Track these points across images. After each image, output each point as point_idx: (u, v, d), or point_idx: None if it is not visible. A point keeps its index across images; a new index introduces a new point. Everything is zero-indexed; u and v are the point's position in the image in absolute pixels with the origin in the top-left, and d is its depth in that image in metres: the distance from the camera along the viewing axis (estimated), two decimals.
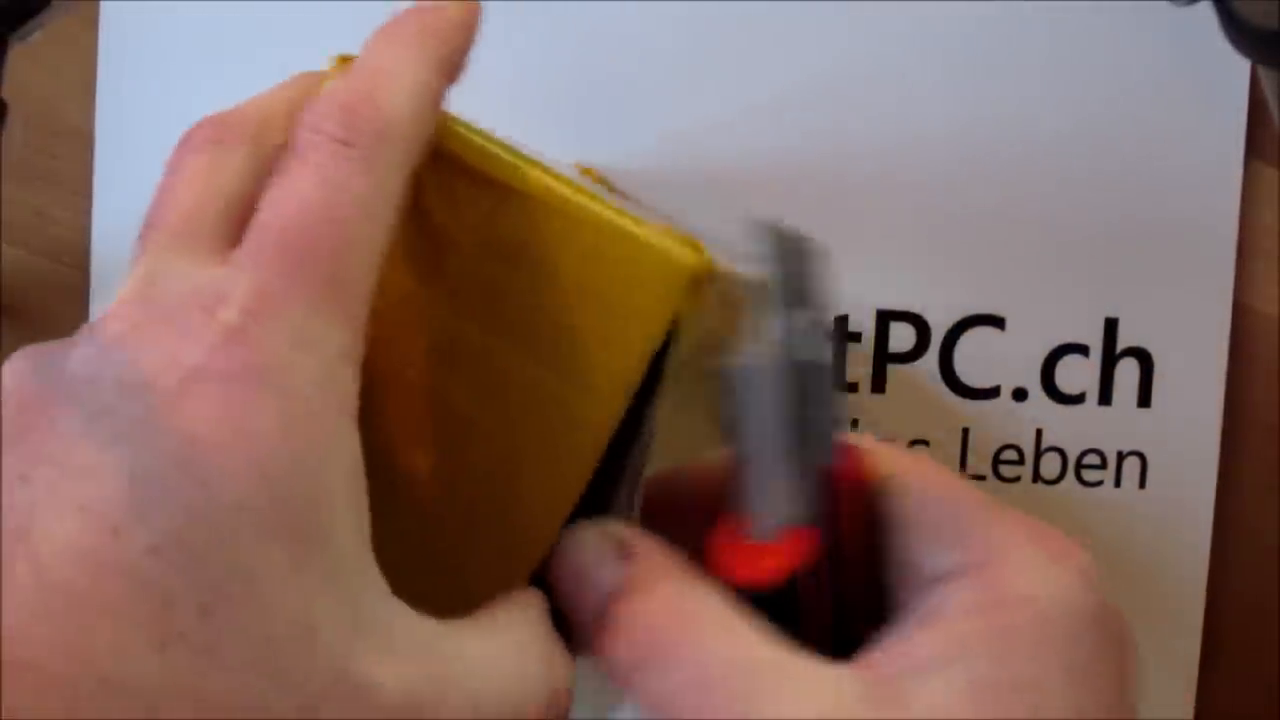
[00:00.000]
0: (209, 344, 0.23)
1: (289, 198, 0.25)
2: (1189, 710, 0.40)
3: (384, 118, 0.26)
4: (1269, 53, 0.34)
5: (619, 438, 0.30)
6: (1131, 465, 0.40)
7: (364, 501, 0.25)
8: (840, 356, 0.39)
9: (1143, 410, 0.40)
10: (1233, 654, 0.41)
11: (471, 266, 0.30)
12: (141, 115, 0.39)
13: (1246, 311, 0.40)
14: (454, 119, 0.30)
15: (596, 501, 0.30)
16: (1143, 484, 0.40)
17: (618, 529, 0.29)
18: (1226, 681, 0.41)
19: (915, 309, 0.39)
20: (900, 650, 0.26)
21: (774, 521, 0.28)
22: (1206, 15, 0.34)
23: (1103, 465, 0.40)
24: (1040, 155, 0.39)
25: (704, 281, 0.30)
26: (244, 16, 0.39)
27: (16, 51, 0.33)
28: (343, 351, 0.25)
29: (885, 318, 0.39)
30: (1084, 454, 0.40)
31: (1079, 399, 0.40)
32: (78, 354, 0.24)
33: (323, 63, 0.30)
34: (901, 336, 0.39)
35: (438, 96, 0.28)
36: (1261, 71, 0.37)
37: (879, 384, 0.40)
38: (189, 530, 0.22)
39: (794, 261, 0.29)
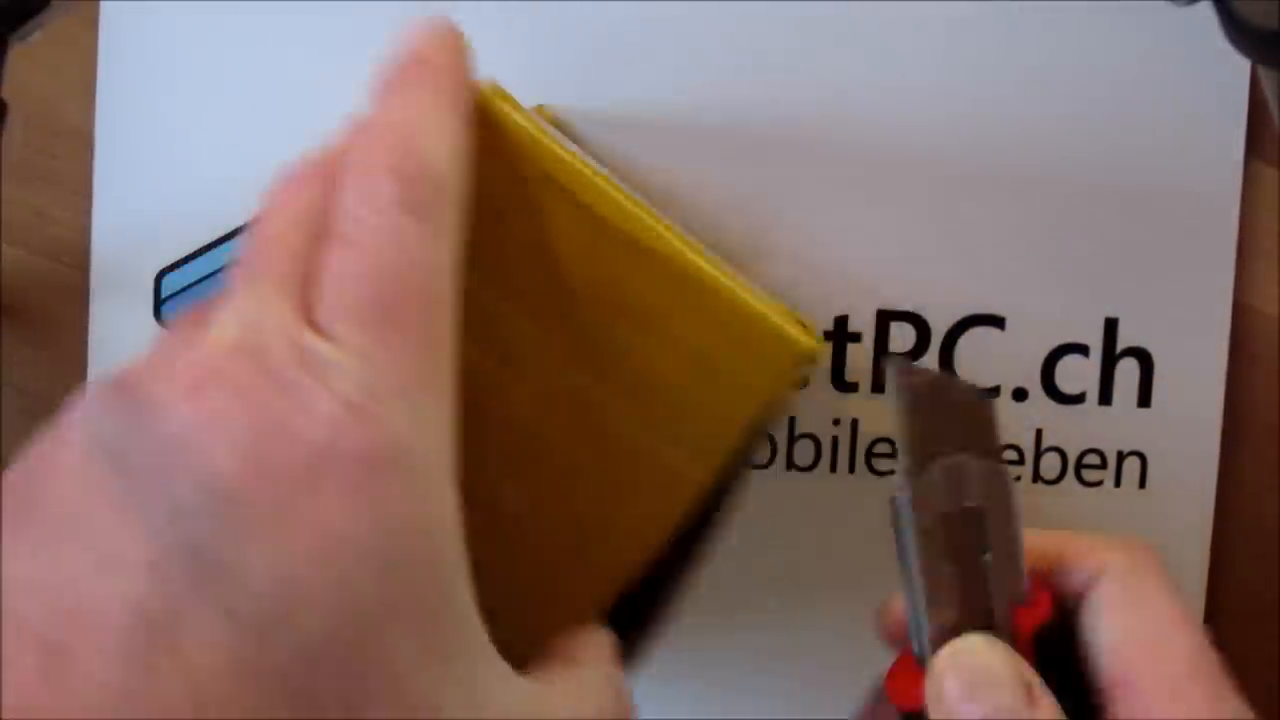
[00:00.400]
0: (331, 421, 0.23)
1: (371, 263, 0.25)
2: None
3: (437, 177, 0.26)
4: (1269, 53, 0.34)
5: (704, 502, 0.31)
6: (1131, 465, 0.40)
7: (467, 563, 0.25)
8: (840, 361, 0.39)
9: (1143, 410, 0.40)
10: (1234, 654, 0.41)
11: (588, 313, 0.30)
12: (141, 115, 0.39)
13: (1247, 311, 0.40)
14: (583, 164, 0.30)
15: (673, 557, 0.31)
16: (1143, 484, 0.40)
17: (1022, 663, 0.28)
18: None
19: (915, 309, 0.39)
20: None
21: (921, 650, 0.29)
22: (1207, 15, 0.34)
23: (1103, 465, 0.40)
24: (1040, 155, 0.39)
25: (812, 364, 0.30)
26: (244, 17, 0.39)
27: (16, 51, 0.33)
28: (445, 419, 0.25)
29: (885, 318, 0.39)
30: (1084, 454, 0.40)
31: (1079, 399, 0.40)
32: (176, 418, 0.23)
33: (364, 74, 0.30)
34: (902, 336, 0.39)
35: (467, 135, 0.28)
36: (1262, 72, 0.37)
37: (879, 384, 0.40)
38: (334, 632, 0.22)
39: (931, 405, 0.30)
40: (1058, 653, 0.29)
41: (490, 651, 0.25)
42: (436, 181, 0.26)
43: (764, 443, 0.31)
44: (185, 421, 0.23)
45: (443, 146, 0.26)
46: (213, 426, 0.23)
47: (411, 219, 0.25)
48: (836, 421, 0.39)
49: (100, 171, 0.39)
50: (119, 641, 0.21)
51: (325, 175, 0.27)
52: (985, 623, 0.29)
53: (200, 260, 0.40)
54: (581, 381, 0.31)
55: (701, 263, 0.30)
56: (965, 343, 0.39)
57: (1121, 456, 0.40)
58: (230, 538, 0.22)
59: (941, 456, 0.29)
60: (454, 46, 0.29)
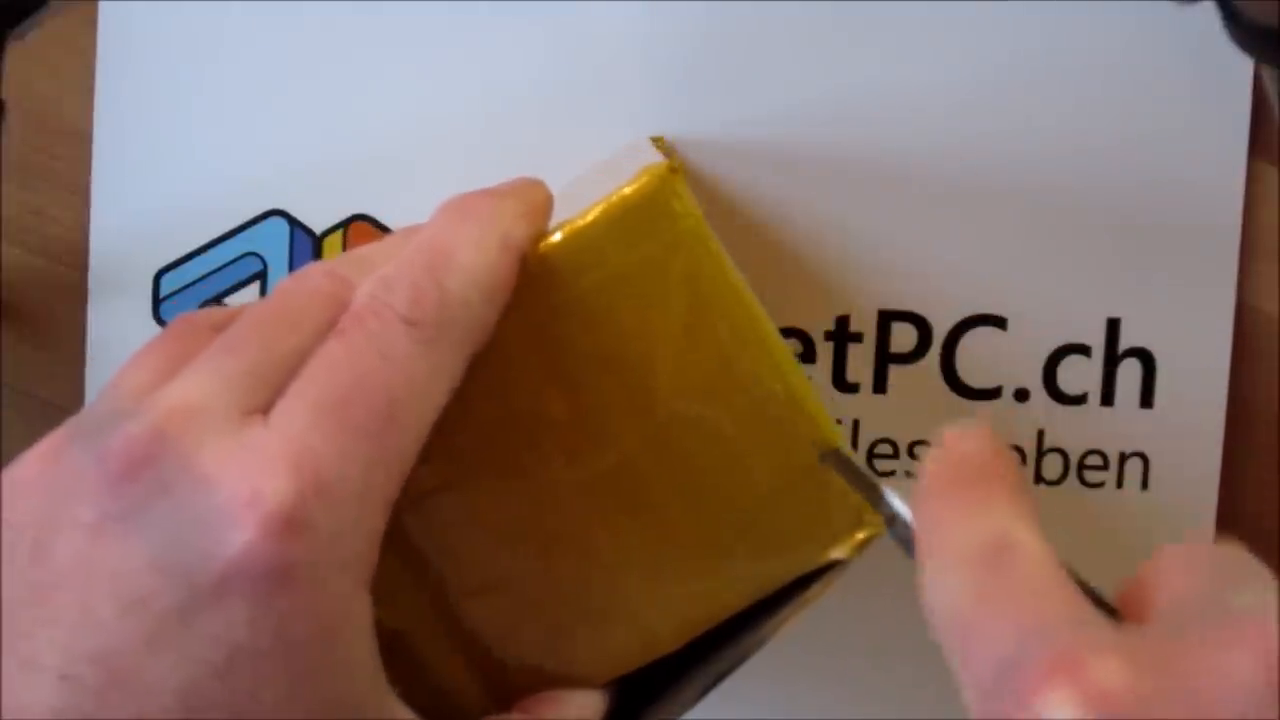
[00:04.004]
0: (244, 528, 0.23)
1: (352, 362, 0.25)
2: None
3: (450, 303, 0.26)
4: (1272, 51, 0.34)
5: (726, 623, 0.32)
6: (1134, 466, 0.40)
7: (379, 663, 0.25)
8: (841, 361, 0.39)
9: (1145, 411, 0.40)
10: None
11: (679, 418, 0.31)
12: (140, 115, 0.39)
13: (1250, 311, 0.40)
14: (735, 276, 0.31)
15: (681, 659, 0.32)
16: (1145, 485, 0.40)
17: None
18: None
19: (917, 309, 0.39)
20: None
21: None
22: (1209, 14, 0.34)
23: (1105, 466, 0.40)
24: (1041, 155, 0.39)
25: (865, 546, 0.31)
26: (243, 16, 0.39)
27: (15, 51, 0.33)
28: (368, 529, 0.25)
29: (887, 318, 0.39)
30: (1086, 455, 0.40)
31: (1081, 399, 0.40)
32: (98, 506, 0.23)
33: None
34: (903, 336, 0.39)
35: (508, 278, 0.28)
36: (1264, 70, 0.37)
37: (880, 384, 0.40)
38: None
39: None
40: None
41: None
42: (450, 310, 0.26)
43: (809, 593, 0.32)
44: (105, 512, 0.23)
45: (471, 278, 0.27)
46: (128, 526, 0.23)
47: (409, 337, 0.26)
48: (838, 422, 0.39)
49: (99, 171, 0.39)
50: None
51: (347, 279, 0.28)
52: None
53: (199, 260, 0.39)
54: (648, 474, 0.31)
55: (816, 404, 0.31)
56: (967, 343, 0.39)
57: (1124, 457, 0.40)
58: (138, 645, 0.23)
59: None
60: (532, 183, 0.30)
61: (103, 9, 0.39)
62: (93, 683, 0.22)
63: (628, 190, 0.31)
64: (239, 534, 0.23)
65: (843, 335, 0.39)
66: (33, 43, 0.34)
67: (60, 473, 0.24)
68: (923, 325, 0.39)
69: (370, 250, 0.29)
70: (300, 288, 0.27)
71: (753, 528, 0.31)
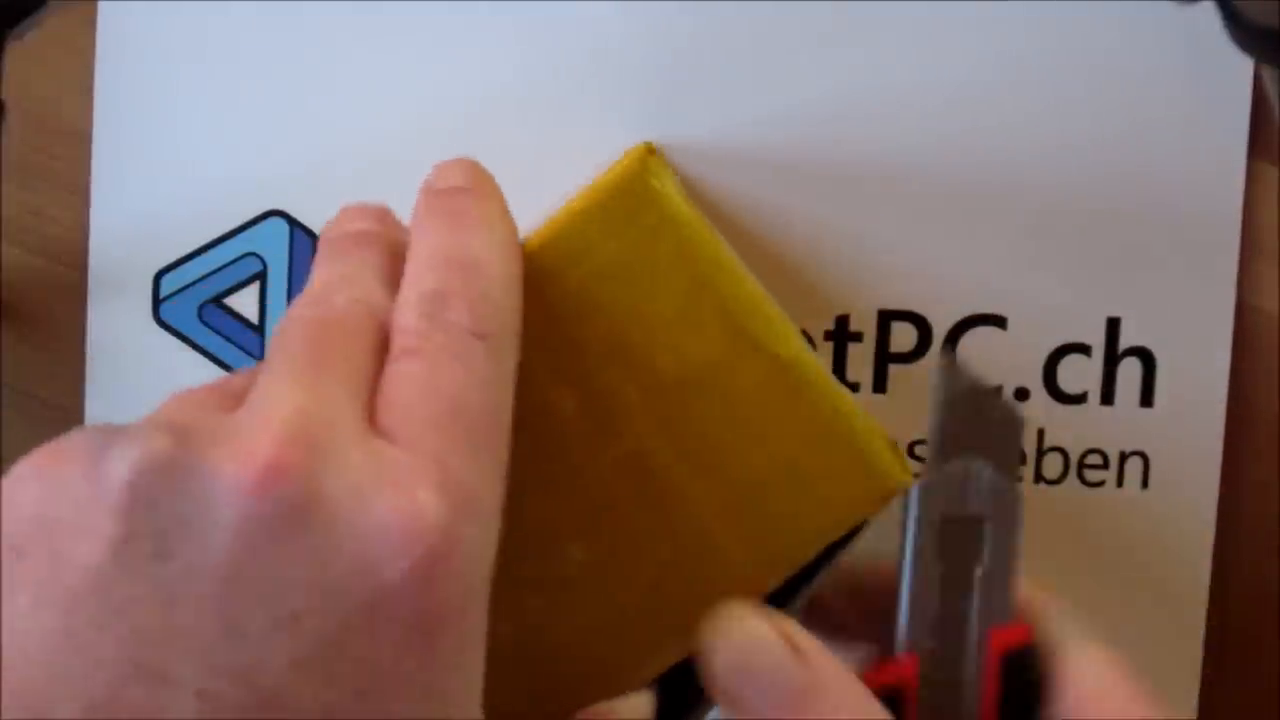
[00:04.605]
0: (413, 558, 0.22)
1: (437, 383, 0.25)
2: (1193, 711, 0.40)
3: (500, 305, 0.27)
4: (1272, 51, 0.34)
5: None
6: (1134, 465, 0.40)
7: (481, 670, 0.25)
8: (841, 361, 0.39)
9: (1145, 410, 0.40)
10: (1236, 654, 0.41)
11: (689, 392, 0.31)
12: (139, 115, 0.39)
13: (1249, 310, 0.40)
14: (721, 248, 0.31)
15: None
16: (1145, 484, 0.40)
17: (788, 625, 0.28)
18: (1230, 682, 0.41)
19: (917, 308, 0.39)
20: None
21: (905, 629, 0.29)
22: (1209, 14, 0.34)
23: (1105, 465, 0.40)
24: (1042, 154, 0.39)
25: (900, 494, 0.31)
26: (242, 16, 0.39)
27: (14, 51, 0.33)
28: (494, 538, 0.25)
29: (887, 317, 0.39)
30: (1086, 454, 0.40)
31: (1081, 399, 0.40)
32: (237, 512, 0.22)
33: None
34: (903, 336, 0.39)
35: (521, 277, 0.28)
36: (1264, 70, 0.37)
37: (880, 384, 0.40)
38: None
39: (966, 408, 0.30)
40: (1024, 686, 0.29)
41: None
42: (500, 311, 0.27)
43: (836, 561, 0.31)
44: (249, 517, 0.22)
45: (504, 284, 0.27)
46: (278, 536, 0.22)
47: (483, 350, 0.26)
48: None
49: (98, 171, 0.39)
50: None
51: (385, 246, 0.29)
52: (957, 631, 0.29)
53: (199, 260, 0.39)
54: (665, 457, 0.31)
55: (817, 374, 0.31)
56: (967, 342, 0.39)
57: (1124, 456, 0.40)
58: (285, 665, 0.21)
59: (959, 460, 0.30)
60: (489, 179, 0.30)
61: (102, 9, 0.39)
62: (233, 700, 0.21)
63: (606, 176, 0.31)
64: (400, 559, 0.22)
65: (843, 335, 0.39)
66: (32, 43, 0.34)
67: (186, 473, 0.22)
68: (923, 325, 0.39)
69: (337, 267, 0.28)
70: (336, 306, 0.27)
71: (778, 495, 0.31)
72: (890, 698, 0.28)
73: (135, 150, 0.39)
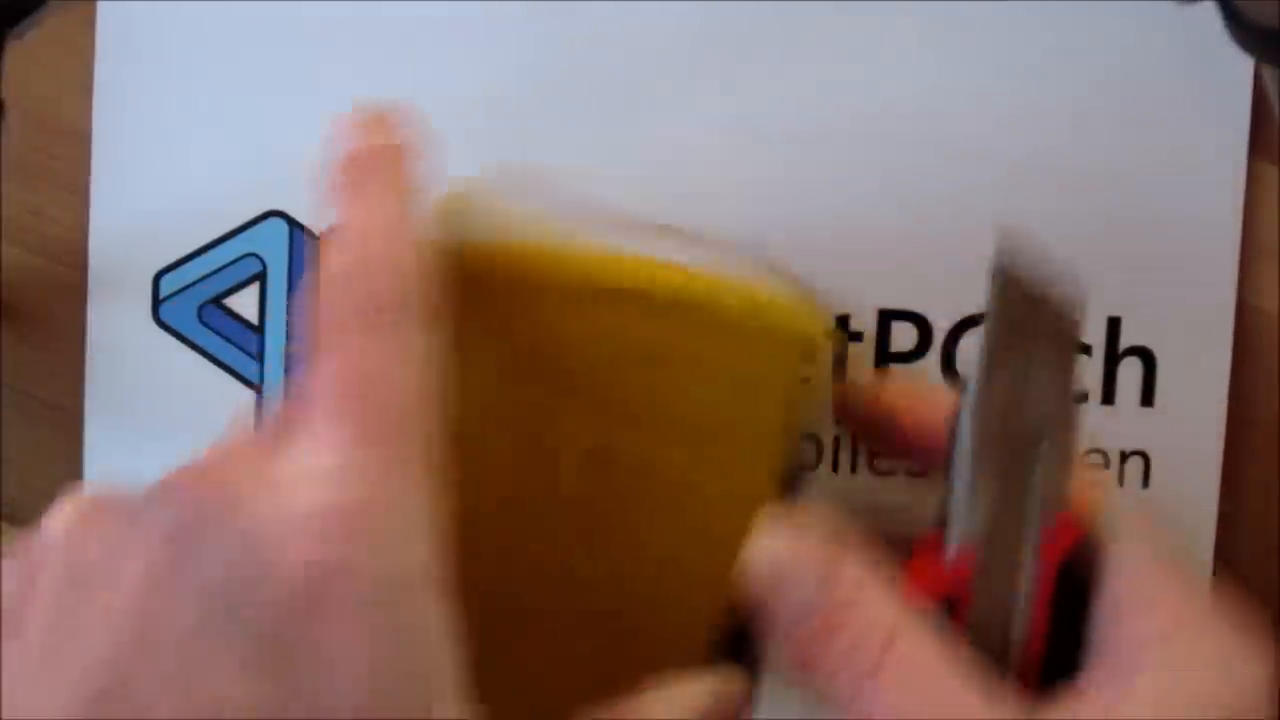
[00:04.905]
0: (343, 548, 0.23)
1: (351, 374, 0.25)
2: None
3: (402, 285, 0.26)
4: (1272, 51, 0.34)
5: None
6: (1134, 465, 0.40)
7: (459, 669, 0.25)
8: (841, 360, 0.39)
9: (1146, 410, 0.40)
10: None
11: (607, 376, 0.31)
12: (139, 115, 0.39)
13: (1250, 310, 0.40)
14: (540, 243, 0.31)
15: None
16: (1146, 484, 0.40)
17: (822, 528, 0.28)
18: None
19: (917, 308, 0.39)
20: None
21: (959, 536, 0.29)
22: (1209, 14, 0.34)
23: (1105, 465, 0.40)
24: (1042, 154, 0.39)
25: (826, 337, 0.30)
26: (242, 16, 0.39)
27: (14, 51, 0.33)
28: (428, 530, 0.25)
29: (887, 317, 0.39)
30: (1086, 454, 0.40)
31: (1081, 398, 0.40)
32: (214, 549, 0.23)
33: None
34: (903, 336, 0.39)
35: (424, 239, 0.28)
36: (1264, 70, 0.37)
37: None
38: None
39: (1022, 306, 0.30)
40: (1076, 587, 0.29)
41: None
42: (403, 290, 0.26)
43: (806, 447, 0.31)
44: (155, 562, 0.23)
45: (404, 248, 0.27)
46: (176, 576, 0.23)
47: (382, 323, 0.25)
48: (839, 421, 0.39)
49: (98, 171, 0.39)
50: None
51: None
52: (1013, 540, 0.29)
53: (198, 260, 0.39)
54: (622, 439, 0.31)
55: (688, 281, 0.31)
56: (968, 342, 0.39)
57: (1124, 456, 0.40)
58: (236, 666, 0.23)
59: (1012, 369, 0.29)
60: (396, 133, 0.29)
61: (102, 9, 0.39)
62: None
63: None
64: (289, 567, 0.23)
65: (843, 334, 0.39)
66: (32, 43, 0.34)
67: (109, 531, 0.24)
68: (923, 324, 0.39)
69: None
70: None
71: (724, 414, 0.31)
72: (943, 606, 0.28)
73: (135, 150, 0.39)
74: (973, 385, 0.29)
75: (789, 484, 0.32)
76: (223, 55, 0.39)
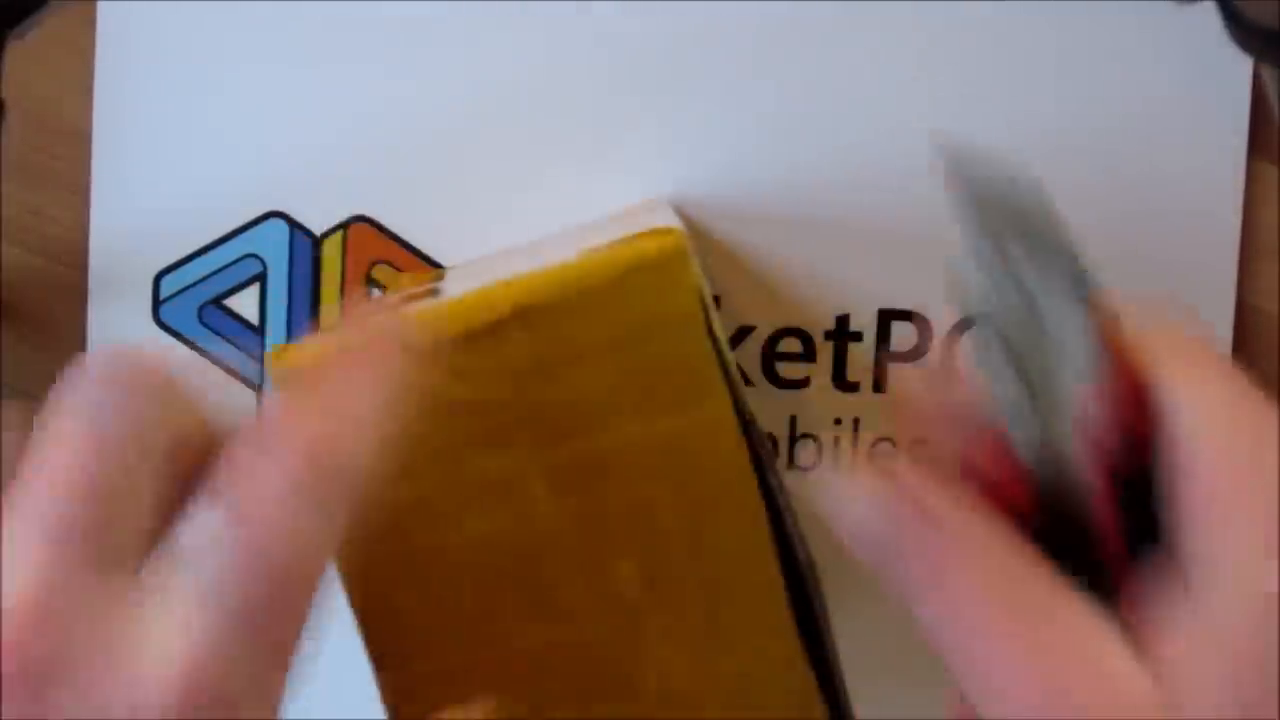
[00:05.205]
0: None
1: (232, 547, 0.23)
2: None
3: (349, 479, 0.24)
4: (1272, 51, 0.34)
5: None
6: None
7: None
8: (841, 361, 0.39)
9: None
10: None
11: (535, 397, 0.31)
12: (140, 115, 0.39)
13: (1250, 311, 0.40)
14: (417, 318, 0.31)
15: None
16: None
17: (915, 480, 0.26)
18: None
19: (916, 308, 0.39)
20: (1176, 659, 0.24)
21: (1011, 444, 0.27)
22: (1209, 14, 0.34)
23: None
24: (1041, 154, 0.39)
25: (682, 253, 0.30)
26: (242, 16, 0.39)
27: (15, 51, 0.33)
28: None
29: (887, 317, 0.39)
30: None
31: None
32: None
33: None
34: (903, 335, 0.39)
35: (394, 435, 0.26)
36: (1264, 70, 0.37)
37: (880, 384, 0.39)
38: None
39: (992, 209, 0.29)
40: (1141, 472, 0.27)
41: None
42: (348, 484, 0.24)
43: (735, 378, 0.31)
44: None
45: (365, 444, 0.25)
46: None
47: (314, 517, 0.23)
48: (838, 421, 0.39)
49: (99, 171, 0.39)
50: None
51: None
52: (1058, 444, 0.27)
53: (199, 261, 0.39)
54: (577, 450, 0.31)
55: (546, 277, 0.31)
56: (968, 342, 0.39)
57: None
58: None
59: (1006, 272, 0.28)
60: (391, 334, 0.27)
61: (102, 9, 0.39)
62: None
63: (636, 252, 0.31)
64: None
65: (843, 335, 0.39)
66: (33, 43, 0.34)
67: None
68: (923, 324, 0.39)
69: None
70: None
71: (649, 363, 0.31)
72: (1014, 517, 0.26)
73: (135, 150, 0.39)
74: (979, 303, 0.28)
75: (747, 422, 0.32)
76: (223, 55, 0.39)
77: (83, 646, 0.22)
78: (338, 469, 0.24)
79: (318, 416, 0.25)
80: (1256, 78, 0.38)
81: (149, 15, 0.39)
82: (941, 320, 0.39)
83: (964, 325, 0.39)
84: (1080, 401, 0.27)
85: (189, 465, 0.24)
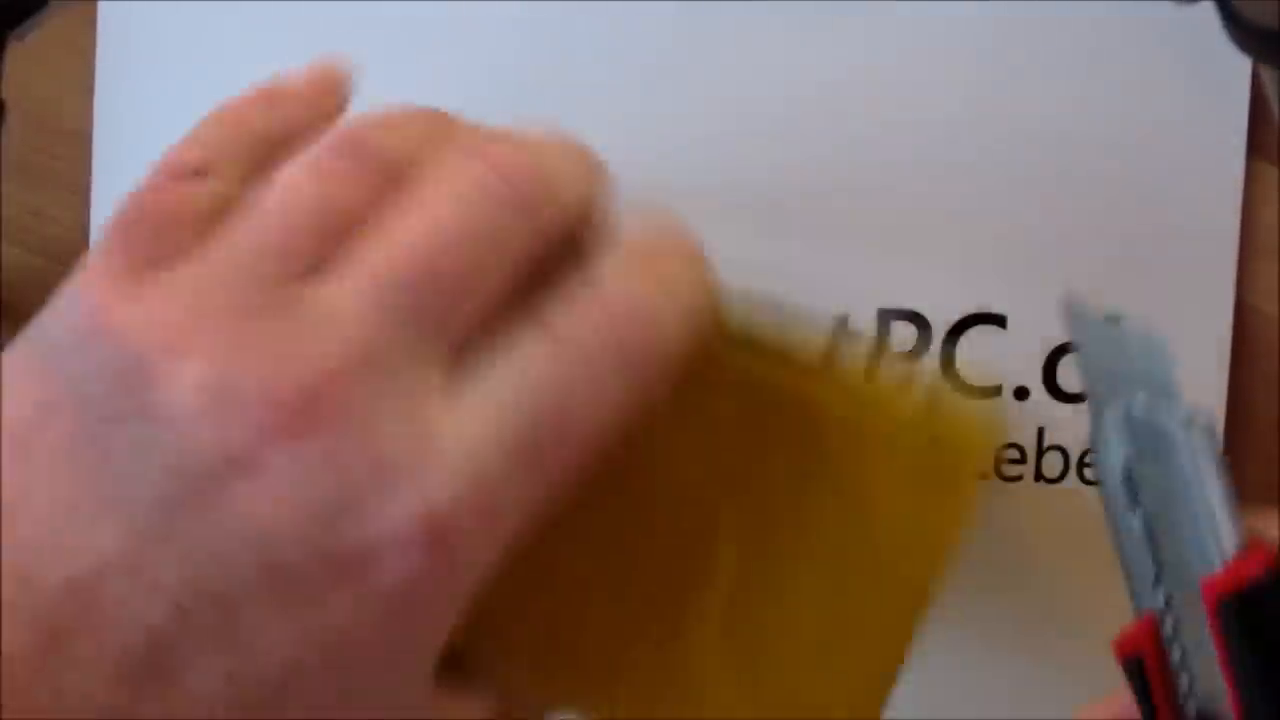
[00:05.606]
0: (410, 552, 0.22)
1: (551, 395, 0.23)
2: None
3: (663, 366, 0.25)
4: (1271, 51, 0.34)
5: None
6: None
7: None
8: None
9: None
10: None
11: (779, 495, 0.30)
12: (140, 115, 0.39)
13: (1249, 311, 0.40)
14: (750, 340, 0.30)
15: None
16: None
17: None
18: None
19: (916, 308, 0.39)
20: None
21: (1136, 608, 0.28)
22: (1208, 14, 0.34)
23: None
24: (1041, 154, 0.39)
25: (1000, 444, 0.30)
26: (243, 16, 0.39)
27: (15, 51, 0.33)
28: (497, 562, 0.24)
29: (886, 317, 0.39)
30: (1086, 453, 0.40)
31: (1081, 398, 0.39)
32: (256, 461, 0.21)
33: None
34: (903, 335, 0.39)
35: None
36: (1263, 70, 0.37)
37: None
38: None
39: (1106, 348, 0.29)
40: (1263, 623, 0.27)
41: None
42: (661, 367, 0.25)
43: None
44: (254, 460, 0.21)
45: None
46: (280, 485, 0.21)
47: (623, 387, 0.24)
48: None
49: (99, 171, 0.39)
50: (120, 656, 0.21)
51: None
52: (1178, 582, 0.27)
53: None
54: (780, 552, 0.30)
55: (869, 412, 0.30)
56: (966, 342, 0.39)
57: None
58: (262, 602, 0.21)
59: (1120, 402, 0.28)
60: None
61: (102, 9, 0.39)
62: (206, 623, 0.21)
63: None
64: (396, 547, 0.21)
65: (844, 333, 0.39)
66: (33, 43, 0.34)
67: (219, 390, 0.21)
68: (922, 324, 0.39)
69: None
70: (493, 202, 0.25)
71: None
72: (1133, 666, 0.27)
73: (136, 150, 0.39)
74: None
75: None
76: (223, 55, 0.39)
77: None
78: (659, 368, 0.24)
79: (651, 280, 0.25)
80: (1256, 78, 0.38)
81: (149, 15, 0.39)
82: (941, 320, 0.39)
83: (964, 326, 0.39)
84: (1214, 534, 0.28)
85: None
